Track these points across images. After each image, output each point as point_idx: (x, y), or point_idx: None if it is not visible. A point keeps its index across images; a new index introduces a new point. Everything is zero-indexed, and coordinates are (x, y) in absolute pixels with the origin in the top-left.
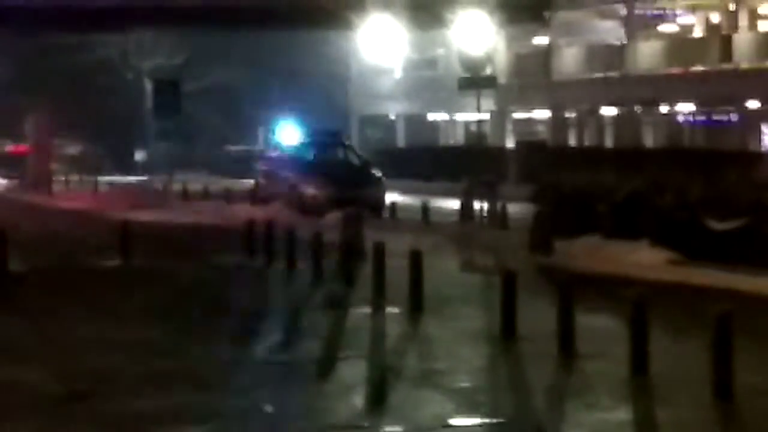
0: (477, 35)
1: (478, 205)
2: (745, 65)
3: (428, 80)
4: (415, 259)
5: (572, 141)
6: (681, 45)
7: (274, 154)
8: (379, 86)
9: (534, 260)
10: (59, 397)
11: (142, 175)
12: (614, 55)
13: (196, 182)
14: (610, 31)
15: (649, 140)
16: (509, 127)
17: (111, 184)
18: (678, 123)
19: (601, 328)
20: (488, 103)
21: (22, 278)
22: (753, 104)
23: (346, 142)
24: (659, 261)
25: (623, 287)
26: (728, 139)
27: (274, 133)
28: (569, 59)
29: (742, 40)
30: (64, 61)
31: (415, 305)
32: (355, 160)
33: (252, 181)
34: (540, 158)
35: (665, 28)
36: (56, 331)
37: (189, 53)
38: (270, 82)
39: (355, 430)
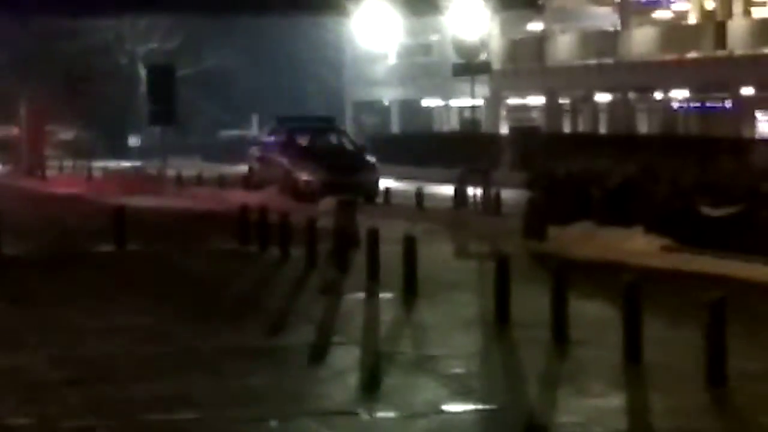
0: (471, 21)
1: (472, 192)
2: (739, 52)
3: (422, 66)
4: (409, 245)
5: (566, 127)
6: (675, 31)
7: (268, 139)
8: (374, 72)
9: (528, 246)
10: (53, 382)
11: (136, 160)
12: (608, 41)
13: (189, 168)
14: (605, 17)
15: (643, 127)
16: (503, 113)
17: (105, 169)
18: (672, 109)
19: (594, 314)
20: (482, 89)
21: (16, 262)
22: (747, 91)
23: (340, 128)
24: (653, 247)
25: (617, 274)
26: (722, 126)
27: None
28: (563, 45)
29: (737, 26)
30: (58, 46)
31: (409, 291)
32: (350, 146)
33: (246, 167)
34: (534, 144)
35: (660, 14)
36: (50, 316)
37: (183, 38)
38: (264, 67)
39: (348, 416)
